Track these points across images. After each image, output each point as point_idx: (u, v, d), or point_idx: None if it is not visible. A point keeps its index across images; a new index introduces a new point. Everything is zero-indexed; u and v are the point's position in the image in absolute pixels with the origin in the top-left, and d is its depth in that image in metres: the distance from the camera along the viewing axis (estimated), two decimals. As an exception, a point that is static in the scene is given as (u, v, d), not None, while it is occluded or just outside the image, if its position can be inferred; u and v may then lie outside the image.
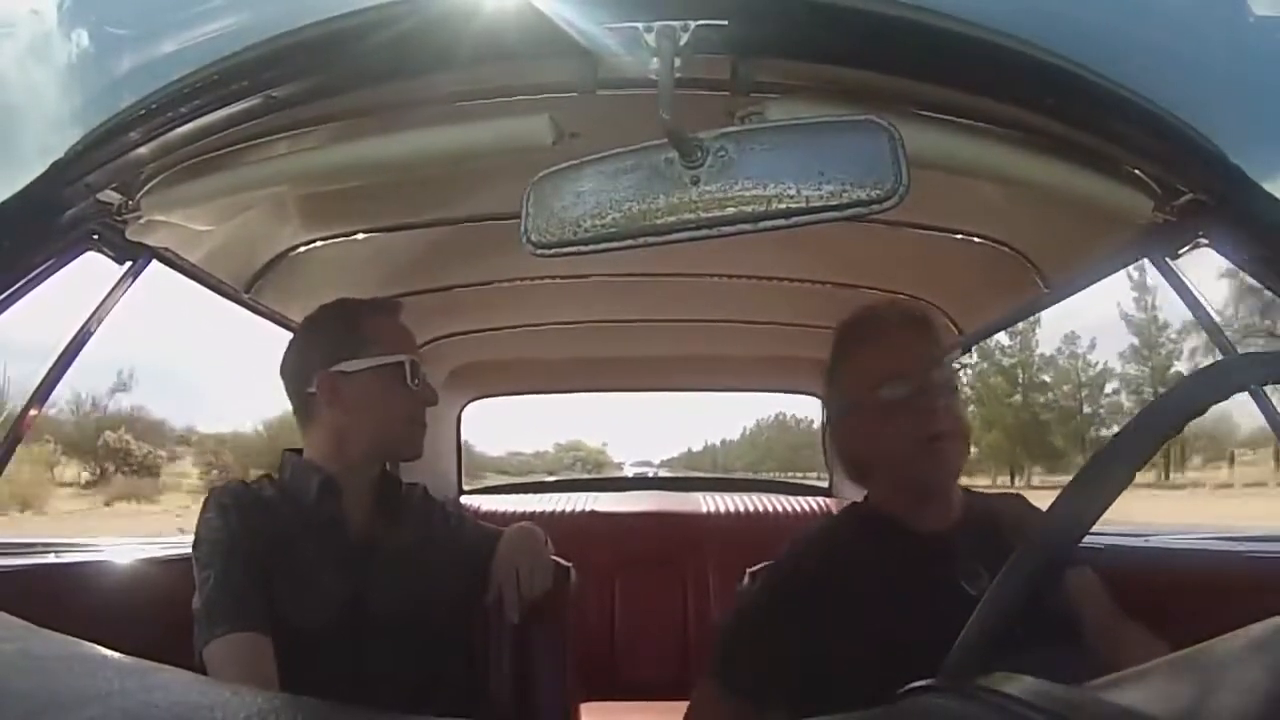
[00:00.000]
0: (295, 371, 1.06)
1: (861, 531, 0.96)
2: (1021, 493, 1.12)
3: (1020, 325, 17.23)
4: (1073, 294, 1.36)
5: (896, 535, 0.93)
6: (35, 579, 1.07)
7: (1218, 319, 1.12)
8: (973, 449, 1.03)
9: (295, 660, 0.90)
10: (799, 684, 0.83)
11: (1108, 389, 21.14)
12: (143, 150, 0.86)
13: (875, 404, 0.91)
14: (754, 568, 1.12)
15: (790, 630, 0.88)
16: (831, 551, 0.95)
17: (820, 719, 0.38)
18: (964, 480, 0.97)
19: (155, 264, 1.11)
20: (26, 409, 1.08)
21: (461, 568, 1.10)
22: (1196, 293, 1.07)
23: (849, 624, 0.85)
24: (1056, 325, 21.36)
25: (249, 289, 1.35)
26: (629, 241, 0.61)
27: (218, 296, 1.34)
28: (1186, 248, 1.00)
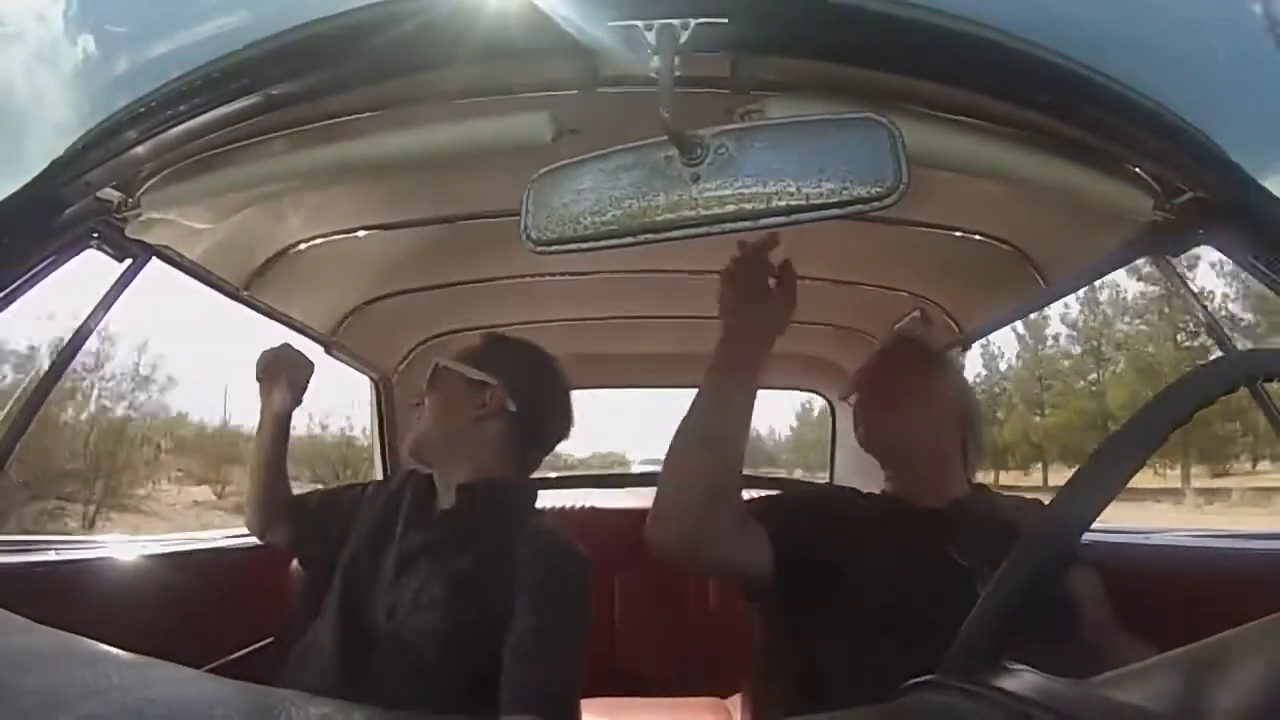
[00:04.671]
0: None
1: (863, 495, 1.06)
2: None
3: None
4: (1073, 292, 1.36)
5: (891, 506, 1.02)
6: (35, 576, 1.06)
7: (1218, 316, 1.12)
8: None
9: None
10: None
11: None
12: (142, 148, 0.86)
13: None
14: None
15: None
16: (834, 495, 1.08)
17: (821, 716, 0.38)
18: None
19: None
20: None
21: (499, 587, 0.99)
22: (1196, 290, 1.07)
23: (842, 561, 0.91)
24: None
25: (248, 286, 1.35)
26: (629, 239, 0.61)
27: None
28: (1187, 246, 1.00)
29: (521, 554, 0.99)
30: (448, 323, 1.92)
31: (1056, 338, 22.96)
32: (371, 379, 1.95)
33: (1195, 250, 1.00)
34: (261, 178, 0.95)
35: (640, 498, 2.31)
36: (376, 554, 1.06)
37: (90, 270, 1.03)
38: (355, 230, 1.33)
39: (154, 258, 1.09)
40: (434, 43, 0.72)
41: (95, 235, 0.98)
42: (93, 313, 1.04)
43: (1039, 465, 22.40)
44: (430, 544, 1.04)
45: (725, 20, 0.66)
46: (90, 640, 0.45)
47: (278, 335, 1.50)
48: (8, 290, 0.87)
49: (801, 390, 2.49)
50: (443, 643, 0.95)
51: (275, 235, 1.29)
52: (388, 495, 1.15)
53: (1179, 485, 18.40)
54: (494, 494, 1.08)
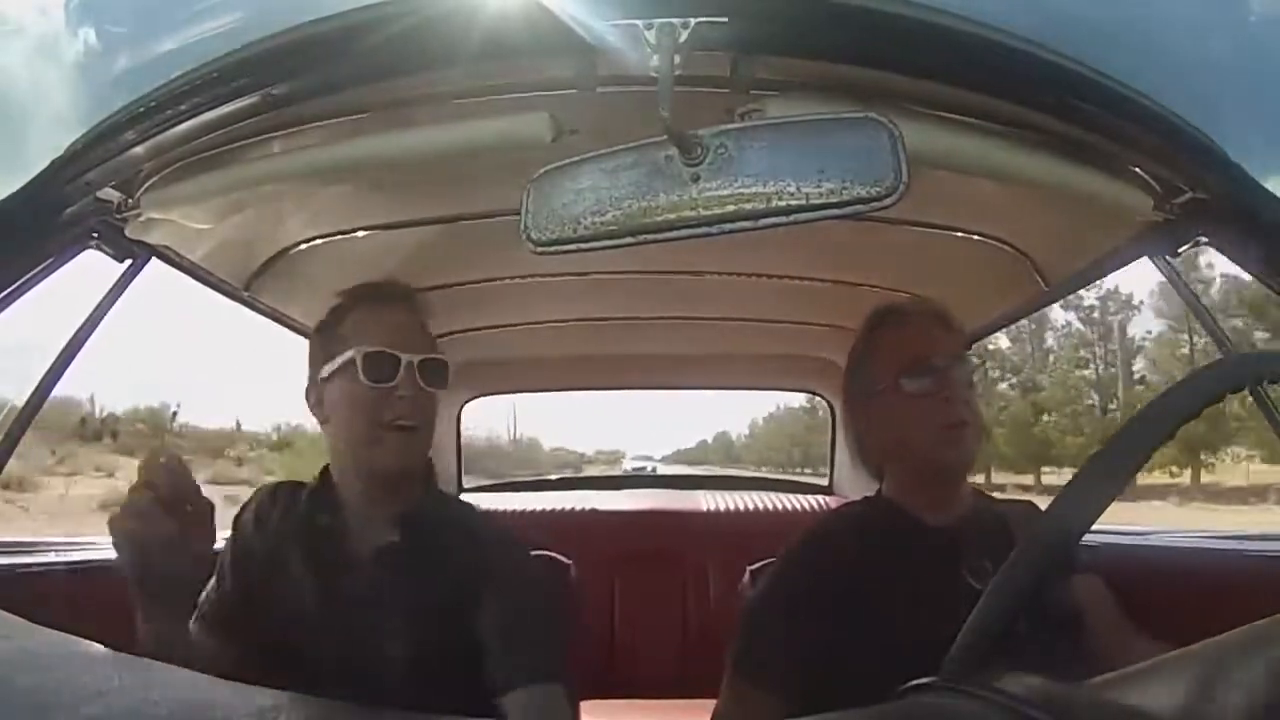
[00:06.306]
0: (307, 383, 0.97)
1: (872, 522, 0.99)
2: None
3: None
4: (1073, 292, 1.36)
5: (906, 526, 0.95)
6: (35, 577, 1.06)
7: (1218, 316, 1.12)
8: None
9: (281, 668, 0.85)
10: (820, 673, 0.84)
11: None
12: (142, 148, 0.86)
13: (898, 392, 0.94)
14: (755, 565, 1.12)
15: (808, 619, 0.90)
16: (844, 541, 0.97)
17: (821, 717, 0.38)
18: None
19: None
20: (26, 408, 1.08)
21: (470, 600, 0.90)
22: (1196, 290, 1.07)
23: (860, 613, 0.87)
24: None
25: (248, 287, 1.35)
26: (629, 239, 0.61)
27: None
28: (1187, 246, 1.00)
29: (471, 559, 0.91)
30: (448, 324, 1.92)
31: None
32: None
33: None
34: (261, 178, 0.95)
35: (636, 499, 2.33)
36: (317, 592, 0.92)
37: (90, 270, 1.03)
38: (355, 230, 1.32)
39: (154, 258, 1.09)
40: (434, 42, 0.72)
41: (95, 235, 0.98)
42: (93, 313, 1.04)
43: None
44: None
45: (725, 20, 0.66)
46: (90, 642, 0.45)
47: (278, 335, 1.51)
48: (8, 290, 0.87)
49: (802, 390, 2.49)
50: (417, 670, 0.86)
51: (275, 235, 1.29)
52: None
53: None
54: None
